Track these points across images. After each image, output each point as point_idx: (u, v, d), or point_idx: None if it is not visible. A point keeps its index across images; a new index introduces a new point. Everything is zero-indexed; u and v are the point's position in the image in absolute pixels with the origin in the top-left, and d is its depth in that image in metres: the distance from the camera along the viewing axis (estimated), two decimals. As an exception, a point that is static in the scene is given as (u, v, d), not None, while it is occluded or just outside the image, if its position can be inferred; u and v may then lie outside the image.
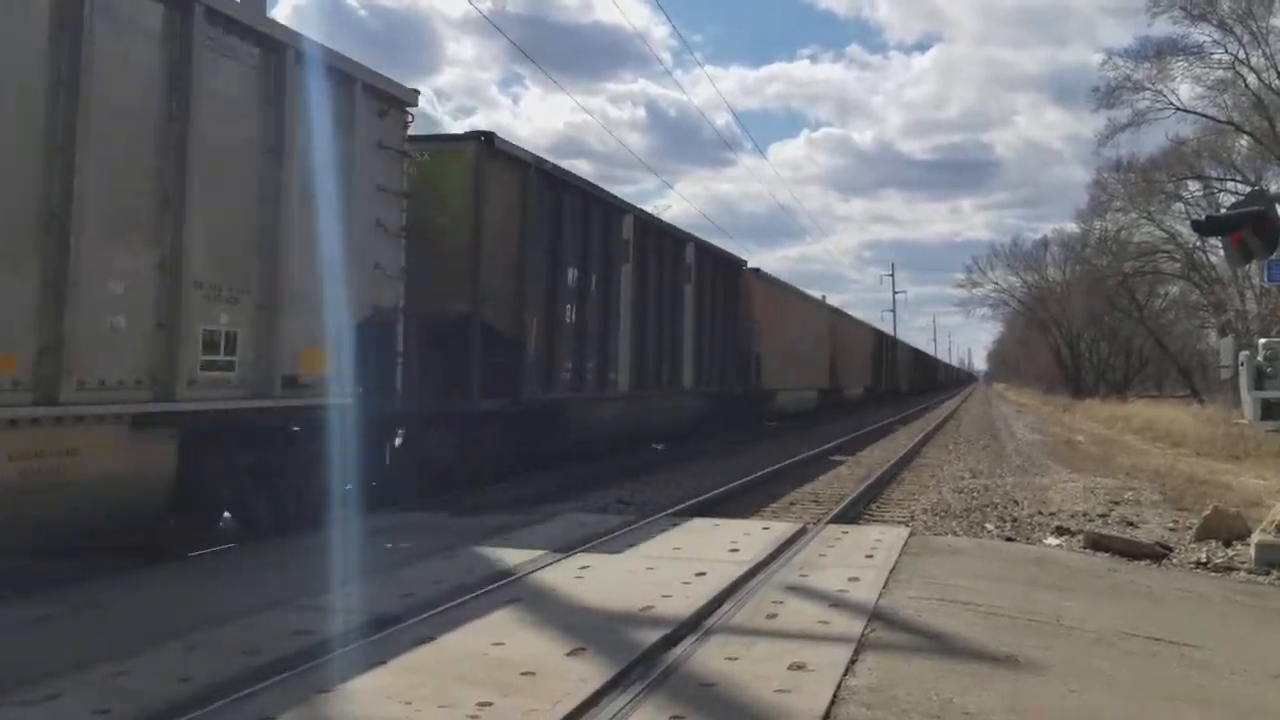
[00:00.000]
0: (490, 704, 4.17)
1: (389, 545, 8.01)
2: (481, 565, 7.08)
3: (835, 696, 4.37)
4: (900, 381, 64.24)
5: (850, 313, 48.28)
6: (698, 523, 9.44)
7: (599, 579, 6.70)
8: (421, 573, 6.84)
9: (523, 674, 4.57)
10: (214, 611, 5.64)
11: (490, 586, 6.37)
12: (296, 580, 6.56)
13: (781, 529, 8.94)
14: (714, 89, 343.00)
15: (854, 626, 5.54)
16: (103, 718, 4.00)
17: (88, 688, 4.35)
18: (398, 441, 11.30)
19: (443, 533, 8.70)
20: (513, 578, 6.66)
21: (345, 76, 9.07)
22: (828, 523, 10.08)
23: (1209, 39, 37.38)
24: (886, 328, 78.55)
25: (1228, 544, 9.53)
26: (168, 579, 6.82)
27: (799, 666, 4.77)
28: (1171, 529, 10.74)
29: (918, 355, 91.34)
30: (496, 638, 5.17)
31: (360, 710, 4.14)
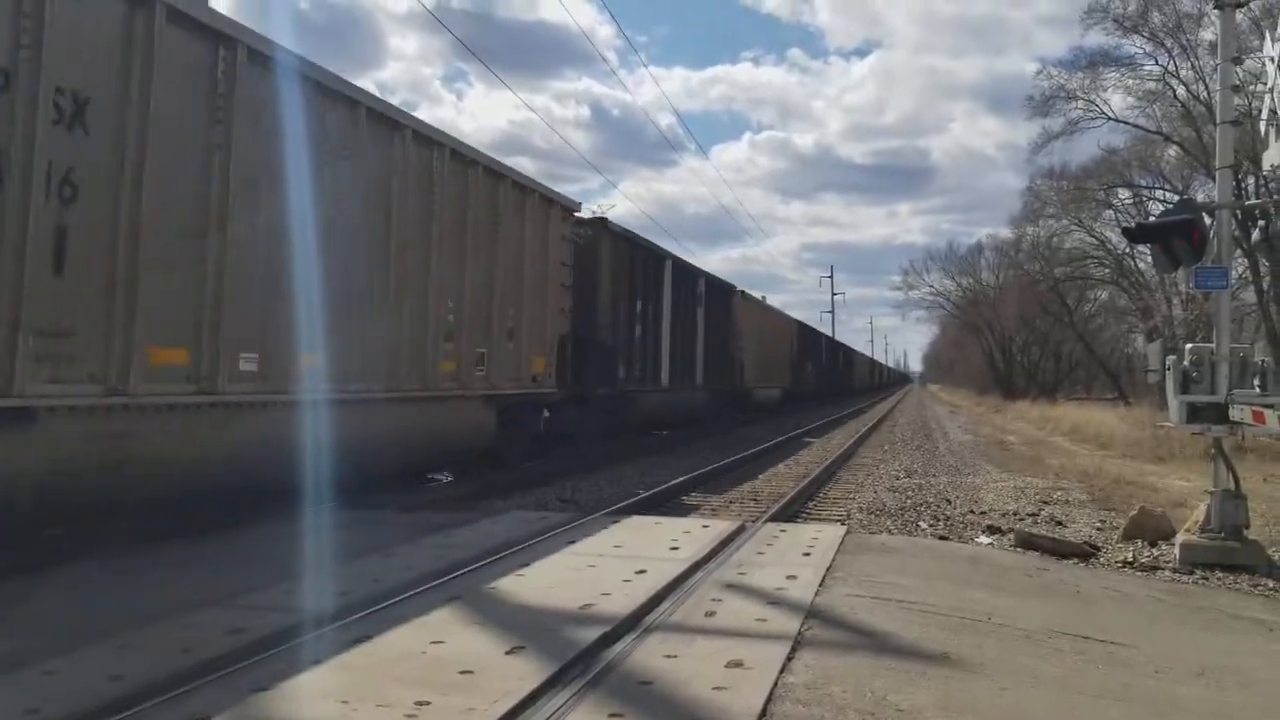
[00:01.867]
0: (428, 703, 4.16)
1: (330, 542, 7.94)
2: (422, 563, 7.05)
3: (772, 694, 4.42)
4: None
5: (790, 314, 44.96)
6: (638, 520, 9.48)
7: (539, 577, 6.70)
8: (361, 570, 6.79)
9: (461, 673, 4.56)
10: (149, 610, 5.55)
11: (430, 584, 6.34)
12: (234, 578, 6.48)
13: (721, 527, 9.01)
14: (658, 89, 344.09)
15: (791, 624, 5.61)
16: (32, 718, 3.92)
17: (16, 687, 4.26)
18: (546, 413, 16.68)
19: (386, 530, 8.65)
20: (452, 575, 6.64)
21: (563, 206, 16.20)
22: (766, 521, 10.17)
23: (1140, 51, 38.18)
24: (826, 329, 76.20)
25: (1153, 544, 9.79)
26: (100, 578, 6.69)
27: (737, 664, 4.82)
28: (1099, 528, 11.00)
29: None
30: (435, 636, 5.16)
31: (296, 709, 4.10)
